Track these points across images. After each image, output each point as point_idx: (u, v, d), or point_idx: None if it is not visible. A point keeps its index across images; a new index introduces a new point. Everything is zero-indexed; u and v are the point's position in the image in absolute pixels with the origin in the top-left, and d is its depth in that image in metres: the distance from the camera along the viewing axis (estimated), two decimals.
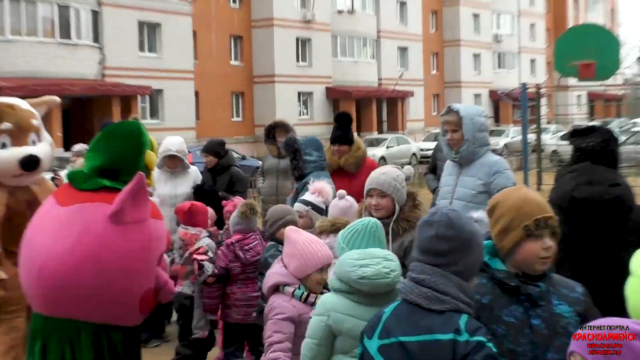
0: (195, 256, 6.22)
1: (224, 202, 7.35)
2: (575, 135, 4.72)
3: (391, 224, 4.60)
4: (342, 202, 5.56)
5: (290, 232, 4.18)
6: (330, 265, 4.14)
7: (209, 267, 6.13)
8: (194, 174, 8.40)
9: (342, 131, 7.57)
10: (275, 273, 4.10)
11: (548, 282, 2.96)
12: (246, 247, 6.25)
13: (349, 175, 7.32)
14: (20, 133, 5.59)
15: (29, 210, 5.46)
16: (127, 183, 4.49)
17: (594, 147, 4.42)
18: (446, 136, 5.56)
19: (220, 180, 8.44)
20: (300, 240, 4.09)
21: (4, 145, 5.49)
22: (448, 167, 5.70)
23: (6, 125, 5.47)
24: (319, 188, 6.03)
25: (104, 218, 4.61)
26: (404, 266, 4.19)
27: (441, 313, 2.80)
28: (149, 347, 7.58)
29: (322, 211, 5.76)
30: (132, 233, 4.64)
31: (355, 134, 7.87)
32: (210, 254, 6.39)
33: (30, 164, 5.58)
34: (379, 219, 4.41)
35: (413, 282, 2.89)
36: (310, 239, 4.16)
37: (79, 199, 4.78)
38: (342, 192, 5.57)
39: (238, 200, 7.02)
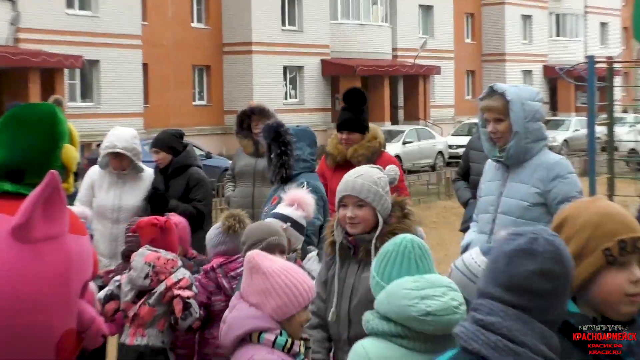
0: (177, 292, 5.94)
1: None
2: None
3: (373, 241, 4.52)
4: None
5: (260, 259, 4.06)
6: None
7: (196, 307, 5.95)
8: (149, 180, 8.36)
9: (353, 113, 7.53)
10: (247, 317, 3.98)
11: None
12: (232, 274, 6.12)
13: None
14: None
15: None
16: (36, 186, 4.51)
17: None
18: (487, 128, 5.53)
19: (175, 184, 8.33)
20: (277, 272, 4.00)
21: None
22: (490, 170, 5.70)
23: None
24: (298, 198, 6.05)
25: (5, 234, 4.58)
26: None
27: None
28: None
29: (303, 229, 5.76)
30: (44, 254, 4.57)
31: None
32: (194, 289, 6.16)
33: None
34: (350, 235, 4.56)
35: (478, 326, 2.78)
36: (288, 267, 4.12)
37: None
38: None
39: (174, 217, 6.98)
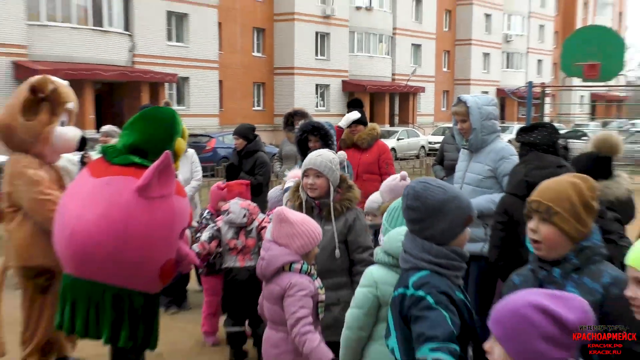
0: (265, 225, 5.99)
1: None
2: (522, 132, 4.83)
3: (331, 203, 4.54)
4: (396, 183, 5.38)
5: (287, 212, 4.07)
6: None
7: None
8: (191, 155, 8.35)
9: (358, 114, 7.58)
10: (281, 254, 3.96)
11: (567, 268, 2.80)
12: None
13: (361, 150, 7.40)
14: (73, 114, 5.68)
15: (56, 184, 5.56)
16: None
17: (539, 140, 4.62)
18: (457, 126, 5.53)
19: (247, 163, 8.37)
20: (299, 221, 4.02)
21: (63, 123, 5.57)
22: (462, 154, 5.69)
23: (70, 105, 5.54)
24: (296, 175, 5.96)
25: (132, 191, 4.69)
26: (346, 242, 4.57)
27: (407, 271, 2.96)
28: (167, 313, 7.56)
29: None
30: (157, 207, 4.71)
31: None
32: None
33: (83, 143, 5.69)
34: (313, 198, 4.54)
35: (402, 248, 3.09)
36: (305, 218, 4.11)
37: (109, 172, 4.87)
38: (404, 173, 5.43)
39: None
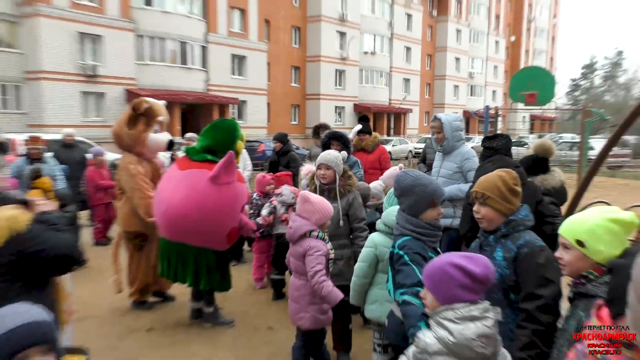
0: None
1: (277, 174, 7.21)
2: (486, 140, 4.80)
3: (337, 187, 4.53)
4: (397, 172, 5.52)
5: (307, 195, 4.05)
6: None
7: None
8: (244, 153, 8.19)
9: (365, 126, 7.58)
10: (304, 224, 3.95)
11: (499, 236, 2.82)
12: None
13: (367, 152, 7.34)
14: (164, 124, 5.79)
15: (154, 175, 5.67)
16: (221, 159, 4.70)
17: (500, 146, 4.57)
18: (434, 136, 5.49)
19: (283, 159, 8.41)
20: (317, 201, 4.00)
21: (156, 131, 5.65)
22: (437, 157, 5.61)
23: (161, 117, 5.65)
24: (310, 169, 5.94)
25: (206, 179, 4.77)
26: (348, 215, 4.57)
27: (397, 236, 3.05)
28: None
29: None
30: (224, 190, 4.79)
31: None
32: None
33: (171, 145, 5.79)
34: (325, 184, 4.55)
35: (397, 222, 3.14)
36: (321, 199, 4.09)
37: (191, 166, 4.98)
38: (401, 165, 5.65)
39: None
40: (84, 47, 26.82)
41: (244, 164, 8.28)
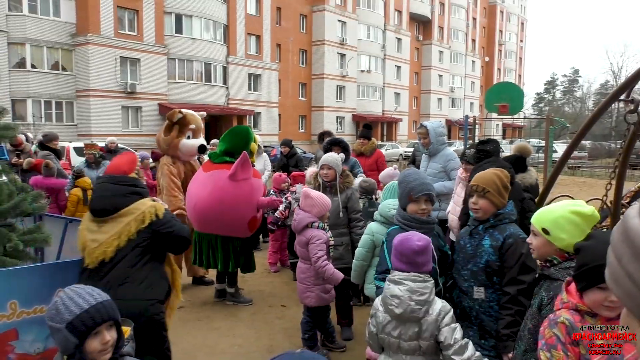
0: None
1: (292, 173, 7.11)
2: (479, 144, 4.74)
3: (337, 184, 4.48)
4: (393, 171, 5.65)
5: (308, 191, 4.02)
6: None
7: None
8: (264, 156, 8.27)
9: (365, 132, 7.51)
10: (306, 217, 3.92)
11: (488, 226, 2.79)
12: None
13: (366, 156, 7.25)
14: (196, 131, 5.72)
15: (191, 174, 5.61)
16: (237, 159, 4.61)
17: (492, 149, 4.51)
18: (420, 141, 5.45)
19: (291, 160, 8.36)
20: (316, 196, 3.97)
21: (189, 137, 5.62)
22: (424, 158, 5.56)
23: (193, 126, 5.60)
24: (314, 170, 6.01)
25: (225, 178, 4.72)
26: (346, 207, 4.52)
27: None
28: None
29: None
30: (241, 186, 4.74)
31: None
32: None
33: (203, 149, 5.73)
34: (326, 181, 4.51)
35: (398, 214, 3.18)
36: (320, 194, 4.05)
37: (212, 168, 4.95)
38: (395, 166, 5.63)
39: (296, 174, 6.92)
40: (125, 69, 26.99)
41: (265, 164, 8.21)
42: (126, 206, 2.83)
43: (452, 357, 2.28)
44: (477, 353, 2.32)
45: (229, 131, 5.19)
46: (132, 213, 2.82)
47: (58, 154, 8.28)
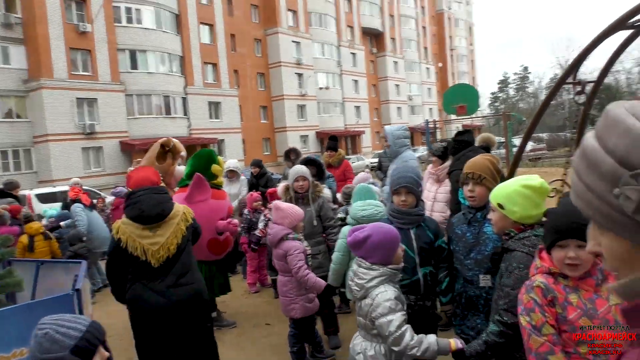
0: None
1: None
2: (457, 135, 4.86)
3: (309, 194, 4.57)
4: (364, 176, 5.80)
5: (278, 204, 4.06)
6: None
7: None
8: (242, 180, 8.26)
9: (332, 144, 7.62)
10: (279, 230, 3.93)
11: (485, 212, 2.74)
12: None
13: (334, 167, 7.34)
14: (184, 158, 5.67)
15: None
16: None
17: (468, 139, 4.59)
18: (385, 144, 5.54)
19: (261, 180, 8.31)
20: (286, 207, 4.00)
21: (179, 164, 5.61)
22: (386, 160, 5.69)
23: (183, 153, 5.56)
24: (283, 186, 6.05)
25: (183, 199, 4.68)
26: (320, 216, 4.59)
27: None
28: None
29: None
30: (198, 207, 4.57)
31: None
32: None
33: None
34: (300, 193, 4.59)
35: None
36: (290, 205, 4.09)
37: (178, 192, 4.91)
38: (367, 170, 5.69)
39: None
40: (82, 110, 26.55)
41: (240, 188, 8.16)
42: (172, 210, 3.34)
43: (391, 347, 2.33)
44: (416, 337, 2.29)
45: (192, 155, 5.19)
46: (177, 215, 3.36)
47: (20, 202, 8.09)
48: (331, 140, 7.76)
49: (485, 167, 2.78)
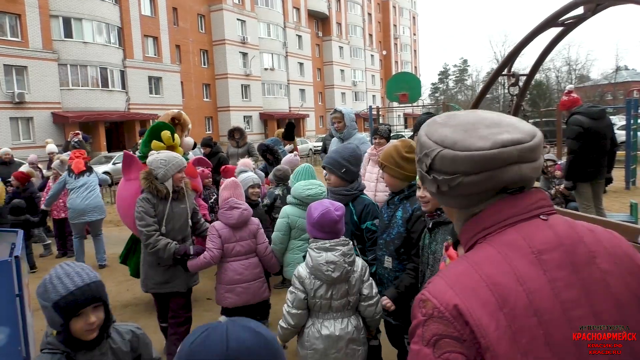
0: None
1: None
2: (424, 115, 5.12)
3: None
4: (293, 157, 5.99)
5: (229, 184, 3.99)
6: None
7: None
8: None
9: (288, 133, 7.91)
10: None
11: (402, 197, 2.84)
12: None
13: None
14: (189, 131, 5.77)
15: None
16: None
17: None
18: (334, 126, 5.59)
19: (213, 161, 7.90)
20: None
21: (185, 136, 5.63)
22: (334, 142, 5.66)
23: (189, 126, 5.69)
24: (246, 162, 6.09)
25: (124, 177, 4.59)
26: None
27: None
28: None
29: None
30: (129, 185, 4.44)
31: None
32: None
33: (194, 146, 6.21)
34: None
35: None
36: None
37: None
38: (295, 152, 5.95)
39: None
40: (10, 77, 24.91)
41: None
42: None
43: (368, 308, 2.64)
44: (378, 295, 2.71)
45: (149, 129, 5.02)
46: None
47: None
48: (289, 128, 7.77)
49: (388, 155, 2.87)
